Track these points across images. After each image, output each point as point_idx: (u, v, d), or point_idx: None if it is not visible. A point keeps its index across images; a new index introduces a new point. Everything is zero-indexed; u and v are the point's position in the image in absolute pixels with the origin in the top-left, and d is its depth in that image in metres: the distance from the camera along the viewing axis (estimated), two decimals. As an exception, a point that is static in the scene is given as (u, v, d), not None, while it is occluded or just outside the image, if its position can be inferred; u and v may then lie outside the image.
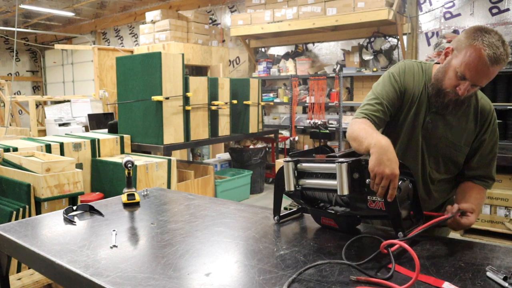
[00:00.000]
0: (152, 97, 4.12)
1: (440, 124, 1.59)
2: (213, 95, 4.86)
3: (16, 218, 2.58)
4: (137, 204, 1.92)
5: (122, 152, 4.11)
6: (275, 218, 1.60)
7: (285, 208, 1.76)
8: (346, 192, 1.30)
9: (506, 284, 1.05)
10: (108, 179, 3.64)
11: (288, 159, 1.46)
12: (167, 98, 4.16)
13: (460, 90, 1.45)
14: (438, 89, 1.52)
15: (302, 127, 6.47)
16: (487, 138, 1.62)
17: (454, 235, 4.21)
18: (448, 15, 5.48)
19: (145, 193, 2.09)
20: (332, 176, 1.37)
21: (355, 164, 1.32)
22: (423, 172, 1.64)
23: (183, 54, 4.37)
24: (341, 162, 1.29)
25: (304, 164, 1.46)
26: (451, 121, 1.59)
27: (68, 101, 6.99)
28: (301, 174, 1.46)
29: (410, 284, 1.03)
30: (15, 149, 3.22)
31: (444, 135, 1.59)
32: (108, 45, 10.12)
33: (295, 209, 1.71)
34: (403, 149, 1.64)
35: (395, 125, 1.64)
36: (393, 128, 1.65)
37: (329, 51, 6.68)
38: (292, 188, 1.45)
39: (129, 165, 1.95)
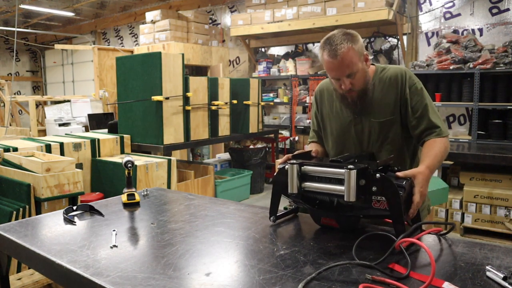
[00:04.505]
0: (152, 97, 4.12)
1: (365, 114, 1.77)
2: (213, 95, 4.86)
3: (16, 218, 2.58)
4: (137, 204, 1.92)
5: (122, 152, 4.11)
6: (271, 218, 1.60)
7: (285, 208, 1.76)
8: (353, 199, 1.30)
9: (506, 284, 1.05)
10: (108, 179, 3.64)
11: (293, 161, 1.46)
12: (167, 98, 4.16)
13: (342, 87, 1.68)
14: (340, 95, 1.76)
15: (302, 127, 6.47)
16: (408, 96, 1.72)
17: (455, 235, 4.21)
18: (448, 15, 5.48)
19: (145, 193, 2.09)
20: (337, 181, 1.37)
21: (363, 171, 1.32)
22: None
23: (183, 54, 4.37)
24: (350, 169, 1.29)
25: (308, 167, 1.45)
26: (372, 104, 1.75)
27: (68, 101, 6.99)
28: (304, 177, 1.46)
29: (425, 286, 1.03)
30: (15, 149, 3.22)
31: (373, 119, 1.76)
32: (108, 45, 10.12)
33: (293, 207, 1.71)
34: (341, 149, 1.86)
35: (327, 133, 1.93)
36: (326, 135, 1.94)
37: (329, 51, 6.67)
38: (296, 191, 1.44)
39: (129, 165, 1.96)
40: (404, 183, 1.34)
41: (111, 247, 1.38)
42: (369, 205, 1.34)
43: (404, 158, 1.81)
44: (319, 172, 1.43)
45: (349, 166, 1.30)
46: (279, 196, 1.57)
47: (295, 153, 1.67)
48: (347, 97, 1.73)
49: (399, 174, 1.41)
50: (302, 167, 1.45)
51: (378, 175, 1.31)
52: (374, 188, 1.31)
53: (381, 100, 1.75)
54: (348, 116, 1.82)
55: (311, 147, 1.97)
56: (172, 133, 4.30)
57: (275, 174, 1.57)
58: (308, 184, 1.45)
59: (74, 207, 1.81)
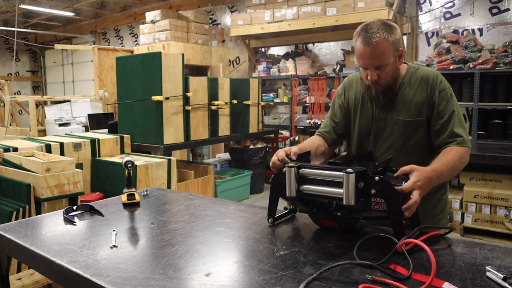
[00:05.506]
0: (152, 97, 4.12)
1: (390, 111, 1.74)
2: (213, 95, 4.86)
3: (16, 218, 2.58)
4: (137, 204, 1.92)
5: (122, 152, 4.11)
6: (269, 220, 1.59)
7: (285, 208, 1.76)
8: (352, 202, 1.29)
9: (506, 284, 1.05)
10: (108, 179, 3.64)
11: (290, 164, 1.45)
12: (167, 98, 4.16)
13: (368, 77, 1.64)
14: (365, 86, 1.72)
15: (302, 127, 6.47)
16: (436, 100, 1.68)
17: (455, 235, 4.21)
18: (448, 15, 5.48)
19: (145, 193, 2.09)
20: (336, 183, 1.36)
21: (362, 174, 1.31)
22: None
23: (183, 54, 4.37)
24: (349, 172, 1.28)
25: (306, 170, 1.44)
26: (399, 102, 1.72)
27: (68, 101, 6.99)
28: (302, 179, 1.45)
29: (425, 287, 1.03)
30: (15, 149, 3.22)
31: (397, 118, 1.72)
32: (108, 45, 10.12)
33: (292, 208, 1.70)
34: (361, 145, 1.84)
35: (350, 128, 1.90)
36: (349, 131, 1.91)
37: (329, 51, 6.68)
38: (294, 194, 1.43)
39: (129, 165, 1.95)
40: (403, 184, 1.34)
41: (111, 247, 1.38)
42: (368, 207, 1.33)
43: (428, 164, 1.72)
44: (317, 175, 1.42)
45: (347, 170, 1.29)
46: (277, 198, 1.56)
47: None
48: (371, 89, 1.68)
49: (397, 173, 1.37)
50: (300, 170, 1.44)
51: (376, 177, 1.30)
52: (373, 191, 1.31)
53: (409, 99, 1.70)
54: (372, 111, 1.78)
55: (311, 141, 1.88)
56: (172, 133, 4.30)
57: (273, 175, 1.56)
58: (306, 187, 1.44)
59: (74, 207, 1.81)
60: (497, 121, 4.75)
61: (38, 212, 2.70)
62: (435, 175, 1.42)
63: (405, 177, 1.36)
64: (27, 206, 2.65)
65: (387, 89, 1.67)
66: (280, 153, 1.56)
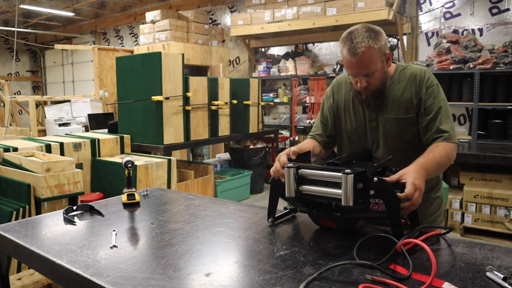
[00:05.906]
0: (152, 97, 4.12)
1: (381, 110, 1.74)
2: (213, 95, 4.86)
3: (16, 218, 2.58)
4: (137, 204, 1.92)
5: (122, 152, 4.11)
6: (269, 220, 1.59)
7: (285, 208, 1.76)
8: (351, 203, 1.29)
9: (506, 284, 1.05)
10: (108, 179, 3.64)
11: (290, 164, 1.45)
12: (167, 98, 4.16)
13: (357, 85, 1.66)
14: (354, 91, 1.73)
15: (302, 127, 6.47)
16: (423, 97, 1.69)
17: (455, 235, 4.21)
18: (448, 15, 5.48)
19: (145, 193, 2.09)
20: (335, 184, 1.36)
21: (360, 174, 1.31)
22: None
23: (183, 54, 4.37)
24: (347, 173, 1.28)
25: (305, 170, 1.44)
26: (389, 101, 1.72)
27: (68, 101, 6.99)
28: (301, 180, 1.45)
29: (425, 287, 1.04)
30: (15, 149, 3.22)
31: (388, 116, 1.73)
32: (108, 45, 10.12)
33: (292, 208, 1.70)
34: (355, 145, 1.84)
35: (341, 128, 1.89)
36: (340, 130, 1.90)
37: (329, 51, 6.68)
38: (293, 194, 1.43)
39: (129, 165, 1.95)
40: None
41: (111, 247, 1.38)
42: (367, 208, 1.33)
43: None
44: (316, 176, 1.42)
45: (346, 171, 1.29)
46: (277, 198, 1.56)
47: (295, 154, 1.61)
48: (361, 94, 1.69)
49: (387, 179, 1.32)
50: (299, 170, 1.44)
51: (375, 178, 1.30)
52: (372, 192, 1.31)
53: (398, 97, 1.71)
54: (363, 112, 1.78)
55: (307, 143, 1.90)
56: (172, 133, 4.30)
57: (272, 176, 1.56)
58: (305, 187, 1.44)
59: (74, 207, 1.81)
60: (497, 121, 4.75)
61: (38, 212, 2.70)
62: (423, 168, 1.42)
63: (397, 184, 1.35)
64: (27, 206, 2.65)
65: (377, 92, 1.68)
66: (282, 158, 1.56)
